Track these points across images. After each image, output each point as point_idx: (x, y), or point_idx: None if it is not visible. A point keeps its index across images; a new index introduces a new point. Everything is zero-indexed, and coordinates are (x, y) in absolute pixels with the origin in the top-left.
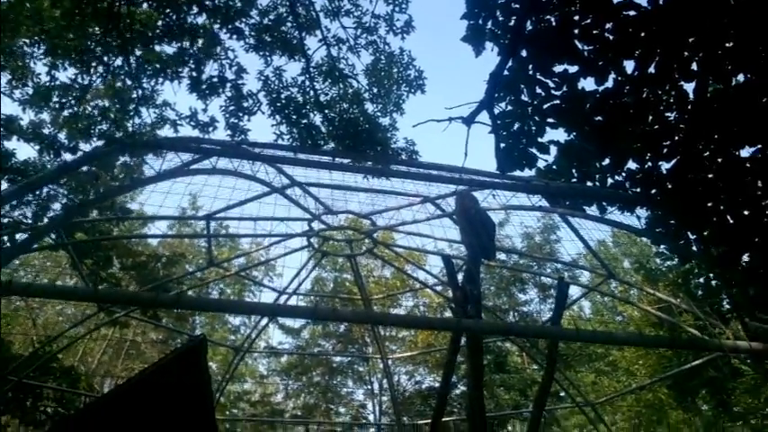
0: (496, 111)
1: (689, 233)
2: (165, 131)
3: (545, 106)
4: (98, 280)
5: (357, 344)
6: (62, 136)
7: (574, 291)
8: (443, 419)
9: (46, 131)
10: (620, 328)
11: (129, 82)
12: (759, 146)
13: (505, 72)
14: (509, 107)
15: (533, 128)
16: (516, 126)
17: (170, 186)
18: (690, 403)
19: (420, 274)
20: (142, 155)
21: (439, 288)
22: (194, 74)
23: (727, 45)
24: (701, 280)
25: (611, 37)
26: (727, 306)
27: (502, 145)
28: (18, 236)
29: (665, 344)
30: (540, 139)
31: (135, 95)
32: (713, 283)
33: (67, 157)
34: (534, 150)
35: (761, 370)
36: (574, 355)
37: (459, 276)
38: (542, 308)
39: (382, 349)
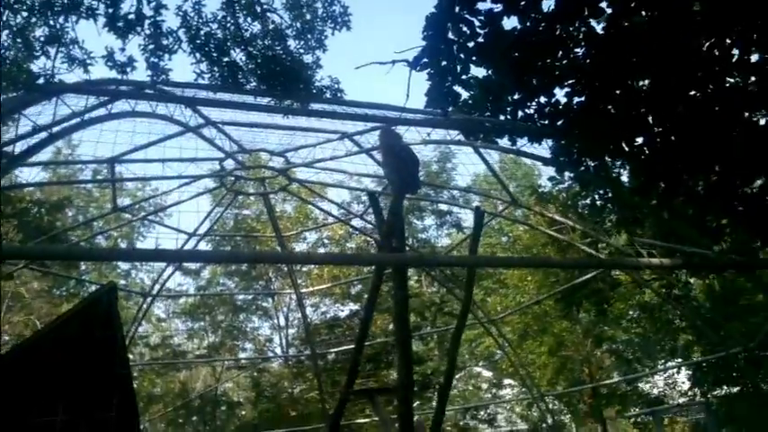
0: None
1: (588, 160)
2: (77, 73)
3: (470, 44)
4: None
5: (262, 280)
6: None
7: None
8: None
9: None
10: (507, 247)
11: (33, 19)
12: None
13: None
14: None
15: (459, 66)
16: (444, 64)
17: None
18: (574, 313)
19: (327, 207)
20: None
21: (350, 219)
22: (110, 10)
23: None
24: (588, 201)
25: None
26: (609, 224)
27: (430, 83)
28: None
29: (594, 265)
30: (464, 77)
31: (41, 34)
32: (597, 203)
33: None
34: (459, 87)
35: (639, 280)
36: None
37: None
38: (439, 233)
39: (296, 283)
